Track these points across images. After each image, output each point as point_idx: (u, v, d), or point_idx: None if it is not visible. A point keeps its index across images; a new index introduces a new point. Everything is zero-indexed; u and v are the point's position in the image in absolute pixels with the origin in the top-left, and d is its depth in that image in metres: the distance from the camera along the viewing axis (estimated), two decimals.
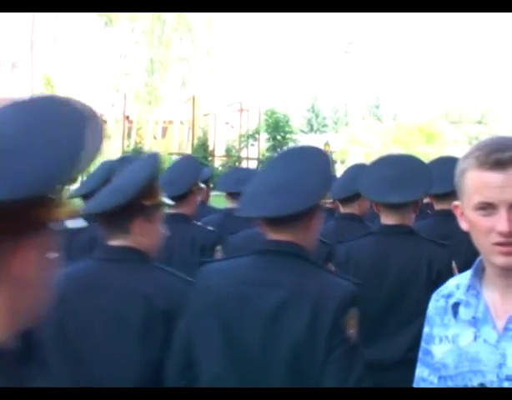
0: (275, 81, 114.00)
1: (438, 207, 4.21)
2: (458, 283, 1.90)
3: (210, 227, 4.30)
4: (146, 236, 2.37)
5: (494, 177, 1.67)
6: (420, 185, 3.23)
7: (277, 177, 2.26)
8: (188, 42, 40.28)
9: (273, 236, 2.25)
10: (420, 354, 1.97)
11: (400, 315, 3.11)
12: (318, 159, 2.38)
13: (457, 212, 1.82)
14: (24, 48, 35.66)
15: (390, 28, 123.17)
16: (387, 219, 3.29)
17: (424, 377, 1.94)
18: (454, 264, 3.15)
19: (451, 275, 2.67)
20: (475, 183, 1.71)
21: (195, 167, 4.27)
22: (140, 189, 2.29)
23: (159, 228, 2.49)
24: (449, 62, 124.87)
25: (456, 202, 1.82)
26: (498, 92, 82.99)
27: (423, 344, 1.96)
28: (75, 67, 38.85)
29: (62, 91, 29.35)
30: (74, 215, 1.16)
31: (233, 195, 4.95)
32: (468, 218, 1.75)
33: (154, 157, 2.52)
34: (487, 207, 1.68)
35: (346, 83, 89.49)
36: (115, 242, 2.35)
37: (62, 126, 1.03)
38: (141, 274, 2.37)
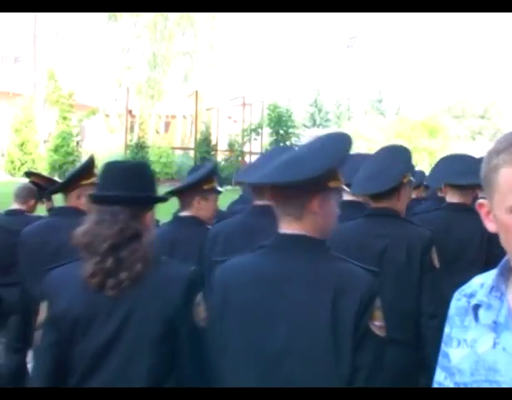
0: (278, 75, 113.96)
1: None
2: (482, 282, 1.71)
3: None
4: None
5: None
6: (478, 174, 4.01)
7: (372, 167, 3.60)
8: (190, 36, 40.20)
9: (375, 204, 3.60)
10: (440, 357, 1.81)
11: (459, 268, 3.99)
12: (400, 152, 3.73)
13: (482, 212, 1.65)
14: (27, 42, 35.65)
15: (393, 23, 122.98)
16: (453, 198, 4.40)
17: (440, 381, 1.79)
18: None
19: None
20: None
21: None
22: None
23: None
24: (451, 57, 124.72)
25: (481, 201, 1.64)
26: (501, 87, 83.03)
27: (442, 346, 1.80)
28: (78, 62, 38.86)
29: (65, 85, 29.33)
30: (341, 184, 2.31)
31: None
32: (499, 219, 1.57)
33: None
34: None
35: (349, 78, 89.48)
36: None
37: (337, 140, 2.24)
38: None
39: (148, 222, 2.53)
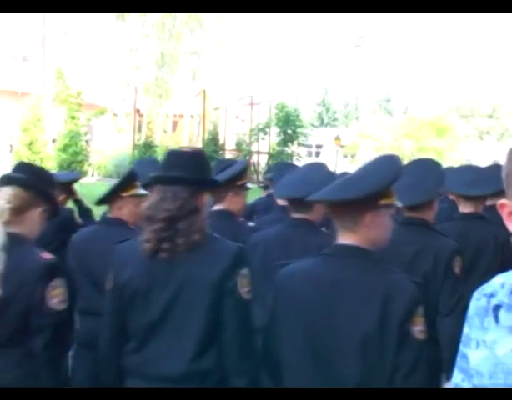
0: (286, 75, 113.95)
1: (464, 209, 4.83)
2: (503, 282, 1.62)
3: None
4: None
5: None
6: (490, 184, 4.42)
7: (407, 178, 3.51)
8: (198, 35, 40.21)
9: (409, 213, 3.89)
10: (458, 358, 1.72)
11: (477, 273, 4.41)
12: (434, 166, 4.01)
13: (504, 212, 1.54)
14: (35, 42, 35.74)
15: (401, 23, 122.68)
16: (465, 208, 4.71)
17: (457, 382, 1.69)
18: None
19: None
20: None
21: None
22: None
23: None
24: (459, 56, 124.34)
25: (504, 201, 1.54)
26: (509, 86, 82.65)
27: (460, 347, 1.71)
28: (86, 61, 38.91)
29: (73, 84, 29.38)
30: (394, 203, 2.56)
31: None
32: None
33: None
34: None
35: (357, 77, 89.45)
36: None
37: (387, 163, 2.53)
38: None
39: (205, 201, 2.88)
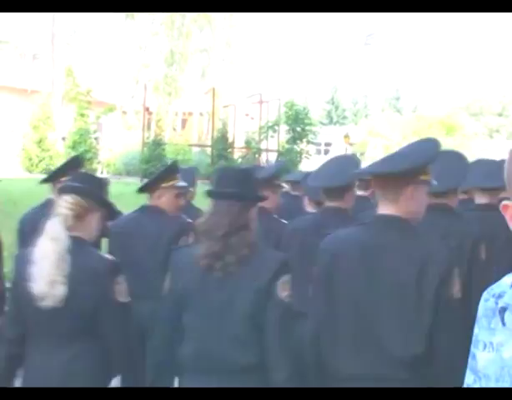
0: (295, 72, 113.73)
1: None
2: None
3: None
4: None
5: None
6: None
7: (435, 166, 3.66)
8: (207, 33, 40.23)
9: (435, 200, 3.83)
10: (469, 358, 1.66)
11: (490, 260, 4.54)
12: (460, 158, 4.16)
13: (507, 214, 1.52)
14: (45, 40, 35.82)
15: (410, 20, 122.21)
16: (481, 199, 4.87)
17: (469, 383, 1.64)
18: None
19: None
20: None
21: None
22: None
23: None
24: (469, 54, 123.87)
25: (506, 202, 1.52)
26: None
27: (471, 347, 1.65)
28: (95, 59, 38.97)
29: (83, 82, 29.43)
30: (431, 180, 2.84)
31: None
32: None
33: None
34: None
35: (366, 75, 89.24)
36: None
37: (427, 145, 2.87)
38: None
39: (253, 215, 3.10)
